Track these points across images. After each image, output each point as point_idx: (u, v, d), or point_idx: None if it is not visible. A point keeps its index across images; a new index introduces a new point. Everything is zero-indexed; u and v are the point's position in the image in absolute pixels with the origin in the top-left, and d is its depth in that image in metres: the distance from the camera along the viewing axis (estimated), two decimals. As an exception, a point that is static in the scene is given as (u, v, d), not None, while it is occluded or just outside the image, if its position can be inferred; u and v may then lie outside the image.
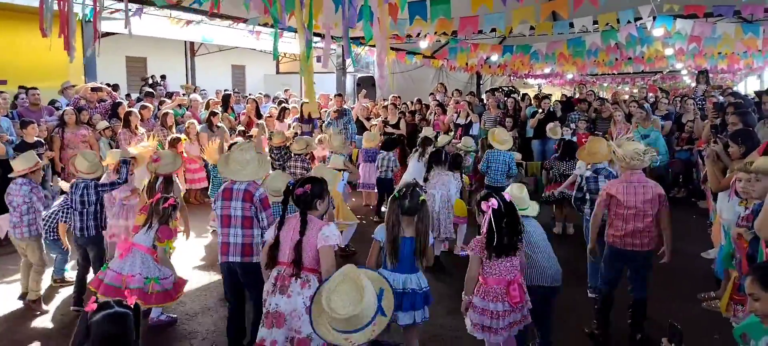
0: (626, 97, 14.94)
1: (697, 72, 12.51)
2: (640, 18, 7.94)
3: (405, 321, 3.41)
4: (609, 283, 4.38)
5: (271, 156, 7.63)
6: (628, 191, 4.16)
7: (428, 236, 3.50)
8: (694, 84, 13.99)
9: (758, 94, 7.39)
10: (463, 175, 7.11)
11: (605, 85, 25.66)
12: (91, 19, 7.73)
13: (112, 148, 7.48)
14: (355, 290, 2.15)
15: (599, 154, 5.16)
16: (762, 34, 8.62)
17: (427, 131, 8.78)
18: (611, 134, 8.69)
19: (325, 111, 10.79)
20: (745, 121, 5.07)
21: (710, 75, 14.93)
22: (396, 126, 10.38)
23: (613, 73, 21.44)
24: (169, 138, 7.64)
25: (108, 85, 10.14)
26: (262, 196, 3.96)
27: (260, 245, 3.81)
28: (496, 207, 3.36)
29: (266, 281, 3.42)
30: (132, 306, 2.13)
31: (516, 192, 3.85)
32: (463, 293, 3.57)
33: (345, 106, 10.65)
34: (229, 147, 6.14)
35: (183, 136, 7.90)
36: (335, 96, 11.03)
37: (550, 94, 13.82)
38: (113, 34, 10.77)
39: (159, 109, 9.56)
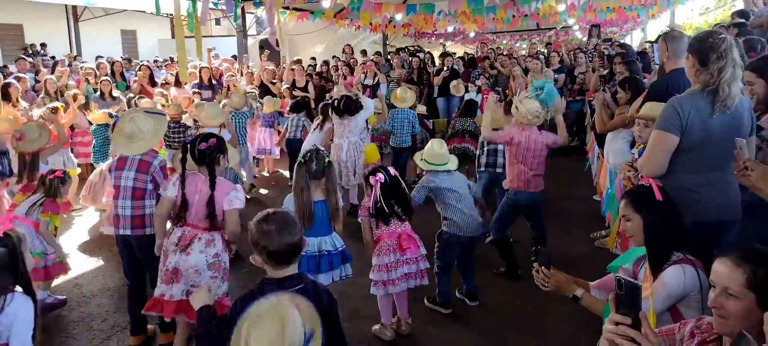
0: (524, 52, 15.54)
1: (589, 26, 13.17)
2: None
3: (325, 281, 3.40)
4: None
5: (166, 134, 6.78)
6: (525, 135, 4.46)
7: (338, 198, 3.54)
8: (585, 39, 14.77)
9: (649, 43, 7.80)
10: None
11: (504, 42, 26.52)
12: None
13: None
14: (279, 329, 1.77)
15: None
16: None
17: (338, 89, 8.60)
18: (512, 89, 9.03)
19: (231, 75, 10.25)
20: (631, 70, 5.40)
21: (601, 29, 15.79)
22: (304, 89, 10.13)
23: (511, 31, 22.22)
24: (47, 107, 6.96)
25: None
26: (163, 164, 3.71)
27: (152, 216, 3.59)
28: (383, 182, 3.49)
29: (166, 241, 3.30)
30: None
31: (436, 148, 4.05)
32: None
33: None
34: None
35: (62, 104, 7.11)
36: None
37: (454, 53, 14.06)
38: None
39: (36, 80, 8.70)
